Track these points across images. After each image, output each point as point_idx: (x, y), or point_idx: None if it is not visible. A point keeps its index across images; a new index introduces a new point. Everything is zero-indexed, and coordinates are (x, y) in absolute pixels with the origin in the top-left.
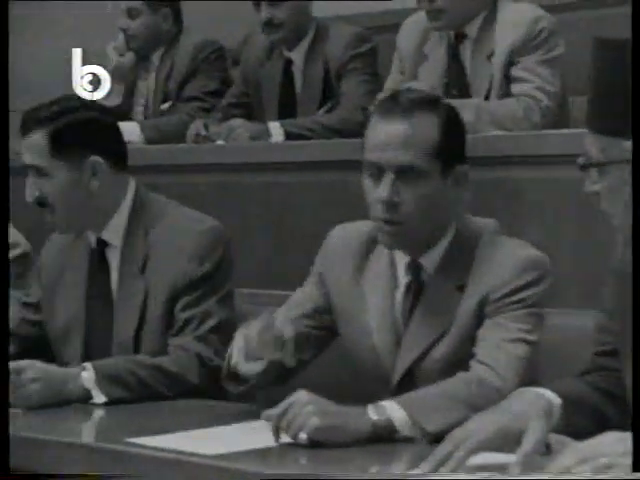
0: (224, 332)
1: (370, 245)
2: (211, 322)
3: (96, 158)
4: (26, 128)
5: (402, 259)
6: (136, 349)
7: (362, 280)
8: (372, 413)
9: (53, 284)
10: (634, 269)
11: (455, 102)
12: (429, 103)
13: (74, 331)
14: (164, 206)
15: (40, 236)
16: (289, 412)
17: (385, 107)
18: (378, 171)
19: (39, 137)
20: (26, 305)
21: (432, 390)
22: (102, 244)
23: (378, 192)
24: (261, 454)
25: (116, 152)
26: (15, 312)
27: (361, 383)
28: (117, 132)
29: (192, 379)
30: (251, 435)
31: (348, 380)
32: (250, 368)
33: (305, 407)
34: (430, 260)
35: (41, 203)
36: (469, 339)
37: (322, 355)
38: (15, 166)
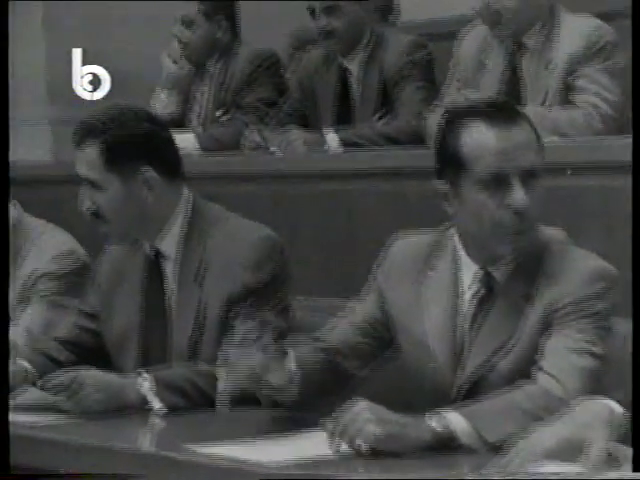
0: (281, 340)
1: (431, 256)
2: (267, 331)
3: (149, 171)
4: (79, 139)
5: (469, 268)
6: (191, 357)
7: (422, 290)
8: (433, 422)
9: (109, 293)
10: (634, 269)
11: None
12: (517, 110)
13: (130, 340)
14: (219, 215)
15: (97, 245)
16: (347, 420)
17: (485, 114)
18: (500, 179)
19: (92, 150)
20: (83, 314)
21: (496, 401)
22: (157, 254)
23: (511, 200)
24: (318, 463)
25: (170, 163)
26: (73, 321)
27: (420, 393)
28: (170, 142)
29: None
30: (309, 444)
31: (407, 390)
32: (277, 378)
33: (363, 415)
34: (501, 270)
35: (94, 214)
36: (534, 349)
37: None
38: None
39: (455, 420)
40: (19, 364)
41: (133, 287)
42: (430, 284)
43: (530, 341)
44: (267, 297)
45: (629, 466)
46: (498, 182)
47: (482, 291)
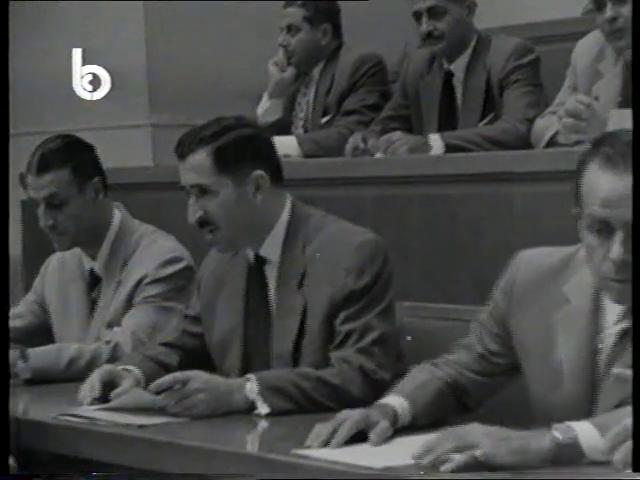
0: (386, 345)
1: (562, 278)
2: (372, 335)
3: (260, 172)
4: (185, 149)
5: (613, 306)
6: (295, 362)
7: (553, 315)
8: (557, 433)
9: (212, 297)
10: (634, 269)
11: None
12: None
13: (233, 344)
14: (321, 220)
15: (198, 249)
16: (450, 438)
17: (604, 154)
18: (606, 227)
19: (202, 156)
20: (187, 317)
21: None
22: (260, 260)
23: (611, 251)
24: (426, 468)
25: (275, 166)
26: (177, 324)
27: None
28: (273, 146)
29: (355, 392)
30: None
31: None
32: None
33: (470, 433)
34: None
35: (202, 223)
36: None
37: None
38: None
39: (582, 428)
40: (134, 372)
41: (235, 292)
42: (563, 311)
43: None
44: (370, 301)
45: None
46: (602, 229)
47: (628, 328)
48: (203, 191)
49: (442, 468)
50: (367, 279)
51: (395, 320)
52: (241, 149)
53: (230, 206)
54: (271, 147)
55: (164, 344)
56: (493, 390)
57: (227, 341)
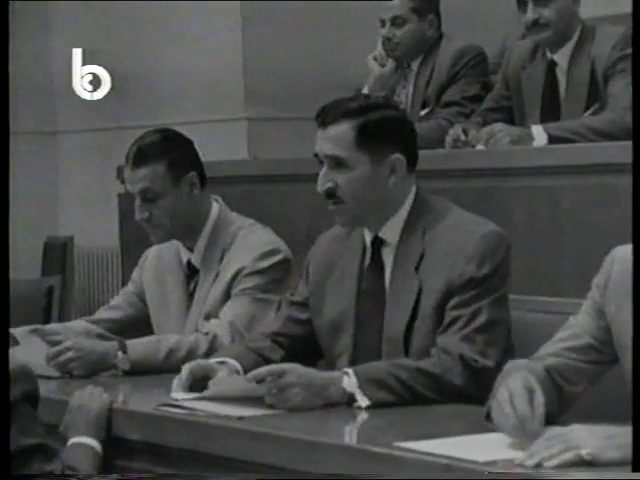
0: (493, 334)
1: None
2: (478, 322)
3: (399, 156)
4: (329, 118)
5: None
6: (406, 345)
7: None
8: None
9: (322, 281)
10: (634, 269)
11: None
12: None
13: (344, 325)
14: (445, 208)
15: (294, 239)
16: (555, 442)
17: None
18: None
19: (346, 128)
20: (293, 304)
21: None
22: (378, 242)
23: None
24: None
25: (412, 151)
26: (281, 312)
27: None
28: (415, 133)
29: (455, 380)
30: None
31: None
32: None
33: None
34: None
35: (330, 194)
36: None
37: None
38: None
39: None
40: (229, 364)
41: (347, 273)
42: None
43: None
44: (485, 290)
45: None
46: None
47: None
48: (338, 163)
49: (546, 464)
50: (487, 269)
51: (508, 312)
52: (385, 129)
53: (361, 184)
54: (412, 132)
55: (268, 334)
56: (595, 380)
57: (339, 322)
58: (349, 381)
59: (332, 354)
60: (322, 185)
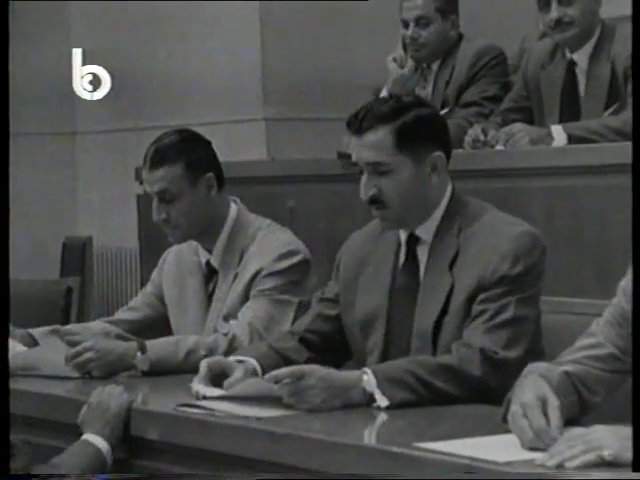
0: (519, 330)
1: None
2: (504, 317)
3: (439, 153)
4: (363, 126)
5: None
6: (434, 340)
7: None
8: None
9: (353, 277)
10: (634, 268)
11: None
12: None
13: (376, 323)
14: (481, 207)
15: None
16: (577, 442)
17: None
18: None
19: (384, 133)
20: (323, 300)
21: None
22: (414, 240)
23: None
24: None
25: (449, 147)
26: (311, 309)
27: None
28: (449, 129)
29: (474, 372)
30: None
31: None
32: None
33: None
34: None
35: (375, 201)
36: None
37: None
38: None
39: None
40: (247, 362)
41: (381, 270)
42: None
43: None
44: (516, 288)
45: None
46: None
47: None
48: (381, 169)
49: (567, 464)
50: (521, 267)
51: (538, 313)
52: (422, 128)
53: (407, 186)
54: (447, 128)
55: (296, 332)
56: (614, 389)
57: (371, 319)
58: (368, 380)
59: (363, 351)
60: (366, 193)
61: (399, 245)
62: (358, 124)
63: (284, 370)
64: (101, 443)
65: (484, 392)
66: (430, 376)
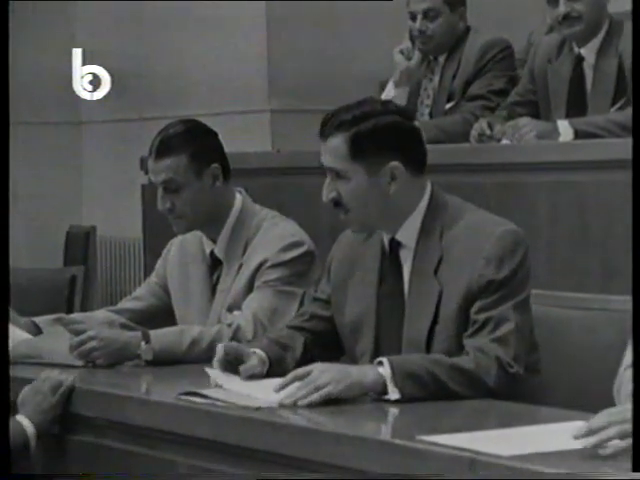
0: (520, 336)
1: None
2: (508, 325)
3: (396, 163)
4: (326, 131)
5: None
6: (427, 348)
7: None
8: None
9: (343, 280)
10: (634, 269)
11: None
12: None
13: (365, 327)
14: (461, 208)
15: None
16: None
17: None
18: None
19: (339, 141)
20: (317, 301)
21: None
22: (396, 244)
23: None
24: (559, 456)
25: (416, 156)
26: (305, 308)
27: None
28: (418, 136)
29: (488, 380)
30: (548, 438)
31: None
32: None
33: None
34: None
35: (336, 203)
36: None
37: None
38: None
39: None
40: (259, 353)
41: (368, 275)
42: None
43: None
44: (508, 292)
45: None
46: None
47: None
48: (337, 175)
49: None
50: (507, 270)
51: (530, 313)
52: (378, 138)
53: (361, 193)
54: (413, 135)
55: (292, 327)
56: None
57: (359, 324)
58: (383, 372)
59: (354, 354)
60: (326, 195)
61: (384, 249)
62: (323, 129)
63: (289, 376)
64: (28, 426)
65: (492, 398)
66: (445, 376)
